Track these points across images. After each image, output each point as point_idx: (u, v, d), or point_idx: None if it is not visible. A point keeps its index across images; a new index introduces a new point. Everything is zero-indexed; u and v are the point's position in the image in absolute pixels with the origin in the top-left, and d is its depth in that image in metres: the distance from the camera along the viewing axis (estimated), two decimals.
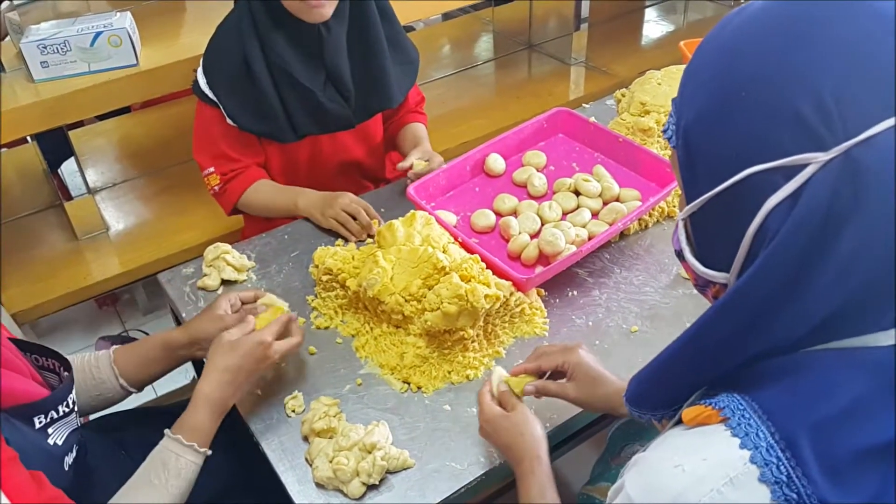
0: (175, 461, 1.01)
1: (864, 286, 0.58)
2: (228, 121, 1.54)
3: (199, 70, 1.55)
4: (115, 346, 1.22)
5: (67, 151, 1.89)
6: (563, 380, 1.08)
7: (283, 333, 1.14)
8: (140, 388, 1.22)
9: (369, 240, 1.45)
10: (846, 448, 0.58)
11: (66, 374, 1.06)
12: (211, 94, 1.53)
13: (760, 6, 0.62)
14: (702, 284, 0.72)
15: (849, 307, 0.59)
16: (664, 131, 0.70)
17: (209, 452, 1.05)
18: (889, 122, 0.54)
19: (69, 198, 1.95)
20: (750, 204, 0.60)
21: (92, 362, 1.19)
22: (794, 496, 0.58)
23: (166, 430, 1.05)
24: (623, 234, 1.47)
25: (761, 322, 0.61)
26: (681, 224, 0.71)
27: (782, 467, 0.59)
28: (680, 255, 0.72)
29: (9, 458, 0.84)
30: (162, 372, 1.23)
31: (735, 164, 0.60)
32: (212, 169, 1.60)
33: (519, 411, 1.03)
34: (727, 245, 0.64)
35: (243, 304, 1.24)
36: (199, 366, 1.54)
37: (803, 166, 0.56)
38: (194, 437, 1.03)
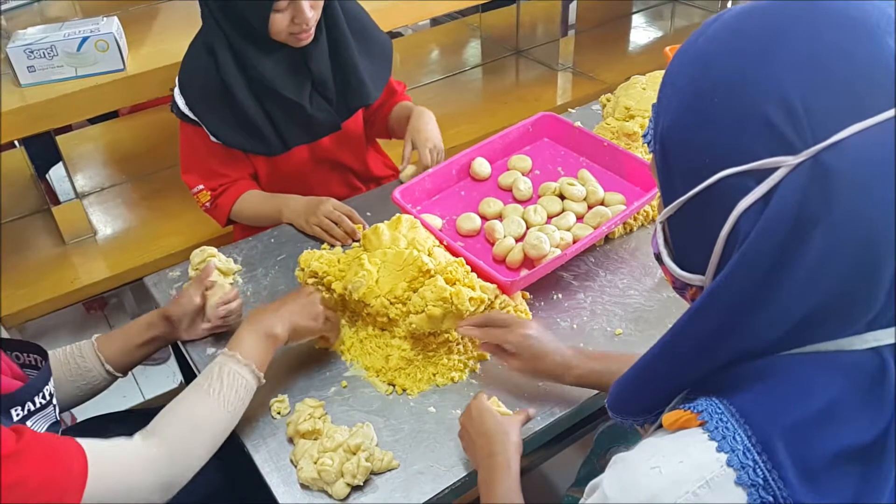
0: (219, 370, 1.05)
1: (835, 289, 0.59)
2: (212, 138, 1.54)
3: (176, 90, 1.55)
4: (96, 335, 1.23)
5: (55, 156, 1.89)
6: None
7: None
8: (125, 373, 1.24)
9: (355, 243, 1.46)
10: (822, 451, 0.59)
11: (45, 363, 1.06)
12: (191, 114, 1.53)
13: (734, 14, 0.63)
14: (679, 287, 0.73)
15: (822, 310, 0.60)
16: (644, 136, 0.72)
17: (261, 374, 1.09)
18: (857, 127, 0.55)
19: (57, 202, 1.95)
20: (722, 207, 0.61)
21: (75, 352, 1.20)
22: (770, 499, 0.59)
23: (224, 349, 1.09)
24: (608, 238, 1.48)
25: (735, 324, 0.61)
26: (659, 227, 0.72)
27: (758, 470, 0.59)
28: (658, 258, 0.74)
29: None
30: (144, 355, 1.26)
31: (708, 168, 0.61)
32: (201, 186, 1.61)
33: (510, 415, 1.08)
34: (702, 248, 0.65)
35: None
36: (185, 369, 1.55)
37: (773, 170, 0.57)
38: (237, 348, 1.08)
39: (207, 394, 1.03)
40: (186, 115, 1.53)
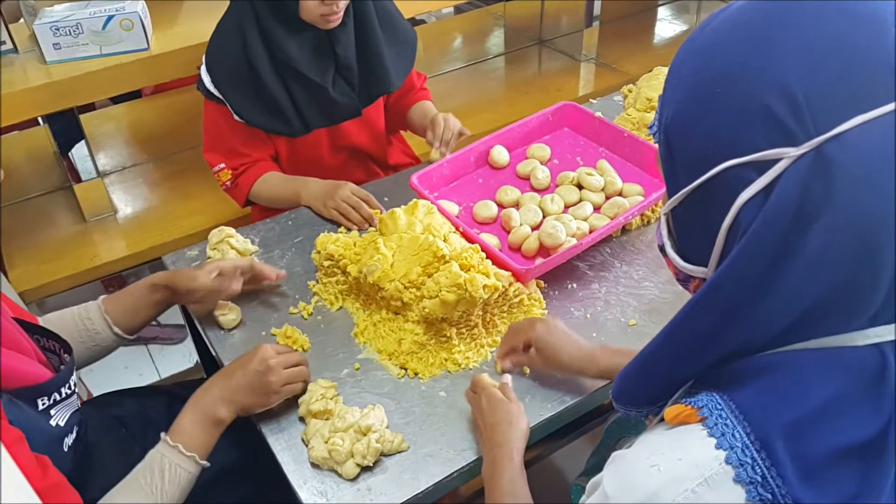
0: (160, 461, 1.01)
1: (835, 282, 0.58)
2: (235, 117, 1.55)
3: (203, 68, 1.56)
4: (102, 297, 1.24)
5: (78, 135, 1.91)
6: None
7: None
8: (132, 334, 1.25)
9: (371, 228, 1.47)
10: (821, 448, 0.59)
11: (66, 355, 1.07)
12: (216, 92, 1.54)
13: (738, 6, 0.63)
14: (682, 279, 0.73)
15: (823, 304, 0.60)
16: (650, 127, 0.71)
17: (204, 462, 1.04)
18: (860, 119, 0.55)
19: (79, 180, 1.97)
20: (724, 198, 0.61)
21: (83, 314, 1.21)
22: (769, 496, 0.58)
23: (162, 433, 1.05)
24: (625, 229, 1.47)
25: (735, 317, 0.61)
26: (663, 219, 0.72)
27: (757, 468, 0.59)
28: (662, 249, 0.73)
29: (16, 438, 0.85)
30: (150, 316, 1.27)
31: (711, 160, 0.61)
32: (222, 165, 1.62)
33: (517, 403, 1.08)
34: (705, 240, 0.65)
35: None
36: (201, 349, 1.56)
37: (775, 161, 0.57)
38: (178, 437, 1.03)
39: (150, 492, 0.99)
40: (212, 93, 1.55)
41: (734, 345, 0.63)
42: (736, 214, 0.60)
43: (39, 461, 0.87)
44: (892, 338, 0.61)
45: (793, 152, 0.56)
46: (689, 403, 0.65)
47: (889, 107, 0.55)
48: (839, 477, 0.58)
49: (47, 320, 1.19)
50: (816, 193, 0.56)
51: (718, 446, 0.61)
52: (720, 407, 0.62)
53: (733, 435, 0.60)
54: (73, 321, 1.20)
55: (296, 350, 1.19)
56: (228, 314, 1.30)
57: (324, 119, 1.60)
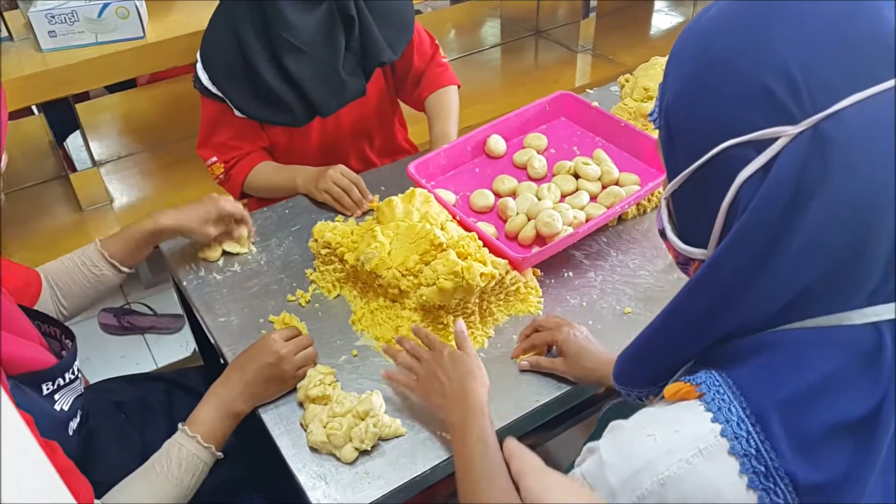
0: (178, 451, 1.04)
1: (833, 260, 0.59)
2: (237, 112, 1.55)
3: (199, 65, 1.55)
4: (98, 240, 1.29)
5: (74, 124, 1.91)
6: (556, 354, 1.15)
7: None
8: (132, 268, 1.32)
9: (368, 216, 1.47)
10: (816, 423, 0.60)
11: (67, 341, 1.08)
12: (214, 89, 1.54)
13: None
14: (683, 262, 0.73)
15: (820, 282, 0.61)
16: (650, 114, 0.72)
17: (218, 453, 1.07)
18: (857, 97, 0.56)
19: (74, 170, 1.97)
20: (724, 178, 0.62)
21: (86, 262, 1.26)
22: (762, 468, 0.59)
23: (180, 423, 1.07)
24: (621, 218, 1.48)
25: (734, 296, 0.62)
26: (663, 203, 0.73)
27: (751, 441, 0.60)
28: (663, 233, 0.74)
29: (25, 423, 0.85)
30: (148, 254, 1.34)
31: (710, 140, 0.62)
32: (214, 159, 1.62)
33: (475, 356, 1.08)
34: (705, 221, 0.66)
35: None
36: (199, 337, 1.56)
37: (774, 140, 0.58)
38: (198, 429, 1.06)
39: (165, 479, 1.02)
40: (209, 90, 1.54)
41: (733, 324, 0.64)
42: (735, 193, 0.61)
43: (49, 446, 0.88)
44: (890, 316, 0.62)
45: (791, 130, 0.57)
46: (688, 381, 0.66)
47: (886, 84, 0.56)
48: (833, 452, 0.60)
49: (46, 270, 1.23)
50: (814, 170, 0.57)
51: (714, 420, 0.62)
52: (718, 383, 0.63)
53: (729, 409, 0.62)
54: (76, 269, 1.25)
55: (297, 330, 1.19)
56: (214, 252, 1.40)
57: (333, 103, 1.58)
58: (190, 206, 1.33)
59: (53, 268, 1.24)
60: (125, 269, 1.29)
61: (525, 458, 0.59)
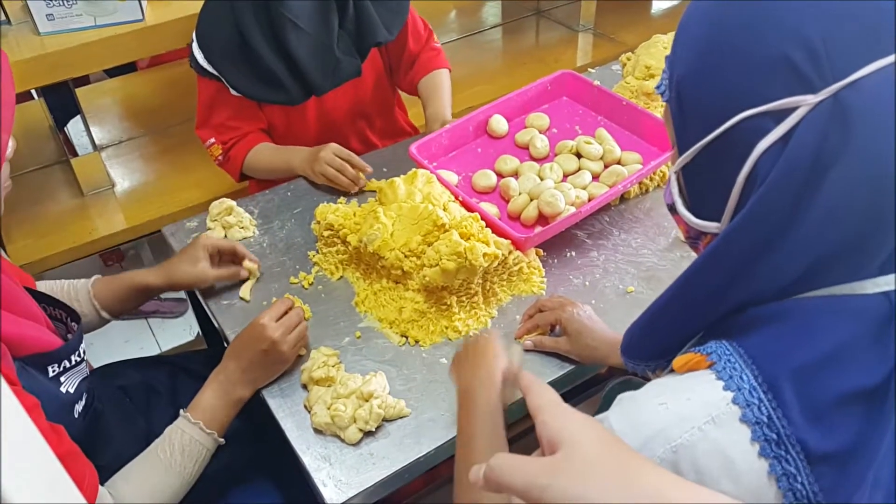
0: (180, 437, 1.04)
1: (849, 230, 0.59)
2: (232, 91, 1.54)
3: (194, 45, 1.54)
4: (95, 278, 1.26)
5: (74, 109, 1.90)
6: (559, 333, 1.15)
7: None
8: (118, 318, 1.28)
9: (371, 198, 1.47)
10: (828, 392, 0.60)
11: (73, 323, 1.08)
12: (210, 68, 1.53)
13: None
14: (693, 237, 0.73)
15: (835, 252, 0.60)
16: (657, 87, 0.71)
17: (220, 440, 1.08)
18: (877, 65, 0.55)
19: (75, 154, 1.96)
20: (741, 149, 0.61)
21: (72, 294, 1.23)
22: (774, 436, 0.59)
23: (181, 410, 1.08)
24: (623, 197, 1.47)
25: (749, 267, 0.62)
26: (673, 177, 0.72)
27: (763, 408, 0.60)
28: (672, 208, 0.74)
29: (32, 405, 0.86)
30: (137, 307, 1.30)
31: (727, 111, 0.61)
32: (213, 140, 1.61)
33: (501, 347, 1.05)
34: (719, 193, 0.65)
35: (221, 254, 1.30)
36: (202, 321, 1.57)
37: (793, 109, 0.57)
38: (200, 415, 1.06)
39: (168, 466, 1.02)
40: (205, 69, 1.53)
41: (747, 295, 0.64)
42: (753, 165, 0.60)
43: (54, 429, 0.88)
44: None
45: (811, 99, 0.57)
46: (699, 351, 0.65)
47: None
48: (844, 420, 0.59)
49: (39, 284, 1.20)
50: (834, 140, 0.56)
51: (726, 388, 0.61)
52: (729, 352, 0.63)
53: (741, 377, 0.61)
54: (61, 295, 1.21)
55: (289, 304, 1.17)
56: (244, 291, 1.32)
57: (327, 82, 1.58)
58: (176, 258, 1.28)
59: (43, 287, 1.21)
60: (105, 315, 1.24)
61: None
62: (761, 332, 0.63)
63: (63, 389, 0.99)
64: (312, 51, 1.52)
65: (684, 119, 0.67)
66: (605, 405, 1.43)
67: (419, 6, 1.73)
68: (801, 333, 0.62)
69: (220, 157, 1.63)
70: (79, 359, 1.04)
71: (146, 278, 1.25)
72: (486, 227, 1.25)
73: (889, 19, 0.56)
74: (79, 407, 1.03)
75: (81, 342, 1.05)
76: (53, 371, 0.98)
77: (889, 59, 0.56)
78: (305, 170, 1.55)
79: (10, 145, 0.98)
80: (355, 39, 1.59)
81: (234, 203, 1.45)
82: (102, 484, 0.97)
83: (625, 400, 0.67)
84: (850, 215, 0.58)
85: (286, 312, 1.15)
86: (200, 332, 1.67)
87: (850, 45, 0.56)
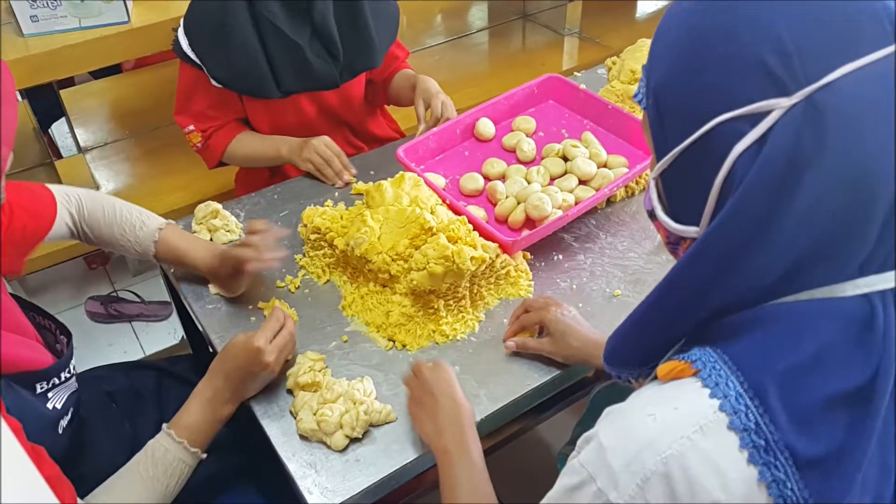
0: (163, 455, 1.02)
1: (827, 230, 0.60)
2: (212, 81, 1.54)
3: (180, 30, 1.54)
4: (169, 223, 1.31)
5: (58, 110, 1.89)
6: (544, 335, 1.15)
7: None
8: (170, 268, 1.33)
9: (357, 201, 1.46)
10: (813, 395, 0.60)
11: (62, 336, 1.07)
12: (192, 54, 1.53)
13: None
14: (673, 242, 0.73)
15: (814, 254, 0.61)
16: (634, 96, 0.72)
17: (202, 455, 1.05)
18: (850, 67, 0.56)
19: (59, 156, 1.95)
20: (717, 153, 0.62)
21: (132, 241, 1.28)
22: (762, 442, 0.60)
23: (164, 425, 1.05)
24: (609, 201, 1.48)
25: (729, 270, 0.62)
26: (652, 183, 0.73)
27: (750, 415, 0.60)
28: (652, 214, 0.74)
29: (15, 429, 0.84)
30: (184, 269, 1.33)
31: (703, 116, 0.62)
32: (192, 127, 1.62)
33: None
34: (697, 198, 0.65)
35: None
36: (187, 324, 1.56)
37: (768, 112, 0.58)
38: (185, 433, 1.03)
39: (150, 483, 1.00)
40: (187, 55, 1.53)
41: (726, 299, 0.64)
42: (730, 168, 0.61)
43: (35, 451, 0.87)
44: (881, 287, 0.62)
45: (785, 102, 0.57)
46: (683, 359, 0.65)
47: (878, 54, 0.57)
48: (830, 423, 0.60)
49: (88, 198, 1.33)
50: (809, 142, 0.57)
51: (712, 395, 0.62)
52: (713, 359, 0.63)
53: (727, 384, 0.61)
54: (123, 221, 1.28)
55: (282, 320, 1.13)
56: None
57: (297, 83, 1.58)
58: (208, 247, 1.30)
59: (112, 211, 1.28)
60: (152, 259, 1.28)
61: None
62: (744, 338, 0.63)
63: (50, 406, 0.97)
64: (286, 49, 1.53)
65: (662, 124, 0.67)
66: (592, 408, 1.44)
67: (405, 9, 1.73)
68: (783, 338, 0.62)
69: (198, 145, 1.64)
70: (68, 374, 1.02)
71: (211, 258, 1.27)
72: (474, 230, 1.25)
73: (860, 22, 0.57)
74: (63, 422, 1.02)
75: (72, 358, 1.04)
76: (41, 388, 0.97)
77: (862, 61, 0.56)
78: (293, 157, 1.56)
79: (9, 158, 0.97)
80: (351, 59, 1.60)
81: (220, 206, 1.45)
82: (83, 497, 0.95)
83: (612, 413, 0.67)
84: (828, 217, 0.59)
85: (279, 330, 1.11)
86: (185, 336, 1.66)
87: (823, 47, 0.57)
